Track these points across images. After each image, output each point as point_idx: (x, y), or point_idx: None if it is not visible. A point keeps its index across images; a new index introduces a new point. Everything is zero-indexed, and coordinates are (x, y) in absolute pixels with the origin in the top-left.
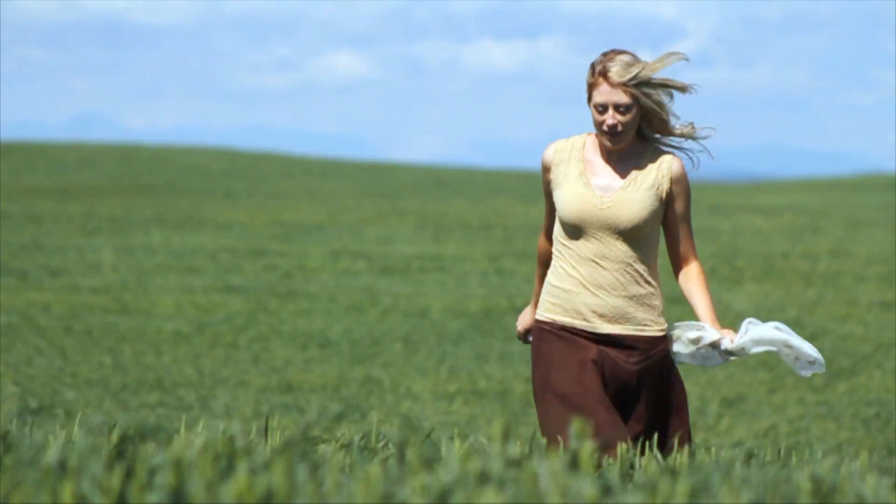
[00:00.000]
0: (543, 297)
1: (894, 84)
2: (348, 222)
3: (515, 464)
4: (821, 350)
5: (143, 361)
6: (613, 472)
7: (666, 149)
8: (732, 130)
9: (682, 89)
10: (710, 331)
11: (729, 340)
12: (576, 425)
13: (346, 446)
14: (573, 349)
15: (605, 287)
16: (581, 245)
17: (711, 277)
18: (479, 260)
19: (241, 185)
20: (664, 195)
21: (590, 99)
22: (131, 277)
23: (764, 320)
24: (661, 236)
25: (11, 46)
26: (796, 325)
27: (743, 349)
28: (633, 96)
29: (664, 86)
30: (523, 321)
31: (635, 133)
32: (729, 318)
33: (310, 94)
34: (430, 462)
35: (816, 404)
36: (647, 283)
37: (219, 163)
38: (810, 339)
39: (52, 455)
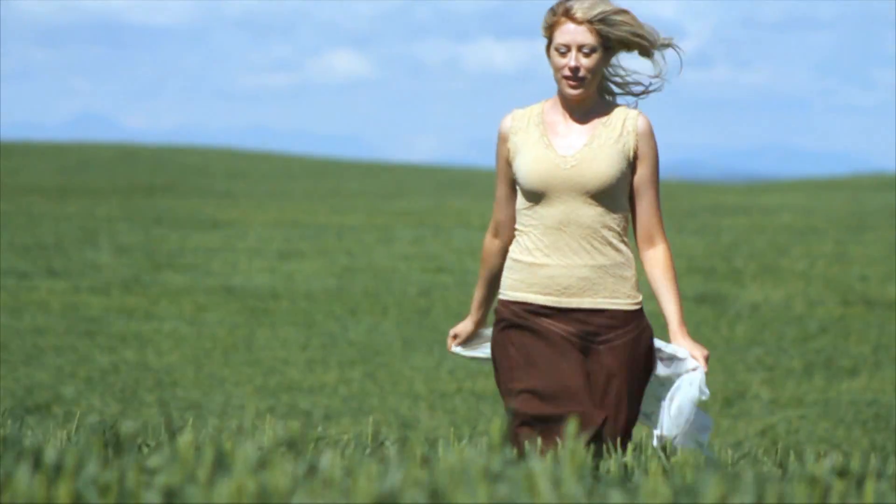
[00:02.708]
0: (506, 273)
1: (894, 84)
2: (348, 222)
3: (512, 464)
4: (821, 350)
5: (143, 361)
6: (609, 471)
7: (630, 96)
8: (732, 130)
9: (658, 45)
10: (683, 354)
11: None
12: (571, 424)
13: (345, 446)
14: (539, 341)
15: (571, 256)
16: (544, 213)
17: (712, 277)
18: (479, 260)
19: (241, 185)
20: (630, 154)
21: (549, 46)
22: (131, 277)
23: (763, 320)
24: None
25: (11, 46)
26: (796, 325)
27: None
28: (599, 37)
29: (635, 37)
30: (460, 328)
31: (598, 90)
32: (729, 318)
33: (309, 94)
34: (428, 462)
35: (816, 404)
36: (617, 251)
37: (218, 163)
38: (810, 338)
39: (50, 455)
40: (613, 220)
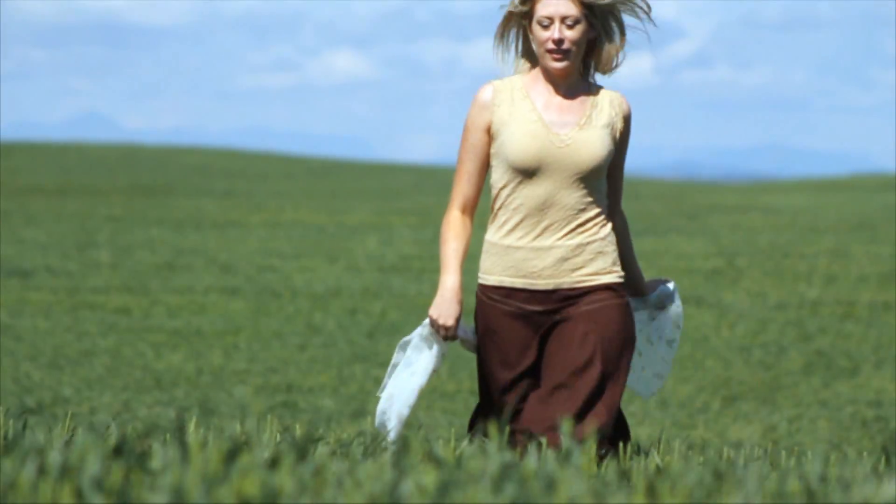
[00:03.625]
0: (484, 257)
1: (894, 84)
2: (348, 222)
3: (512, 463)
4: (821, 350)
5: (143, 361)
6: (610, 471)
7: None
8: (732, 130)
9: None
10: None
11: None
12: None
13: (345, 446)
14: (518, 336)
15: (550, 237)
16: (528, 192)
17: (712, 278)
18: (479, 259)
19: (241, 186)
20: (617, 135)
21: (530, 22)
22: (131, 277)
23: (764, 321)
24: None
25: (11, 46)
26: (797, 326)
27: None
28: (582, 9)
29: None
30: (453, 312)
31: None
32: (730, 319)
33: (309, 95)
34: (428, 462)
35: (816, 404)
36: (598, 227)
37: (218, 163)
38: (810, 338)
39: (52, 455)
40: (596, 199)
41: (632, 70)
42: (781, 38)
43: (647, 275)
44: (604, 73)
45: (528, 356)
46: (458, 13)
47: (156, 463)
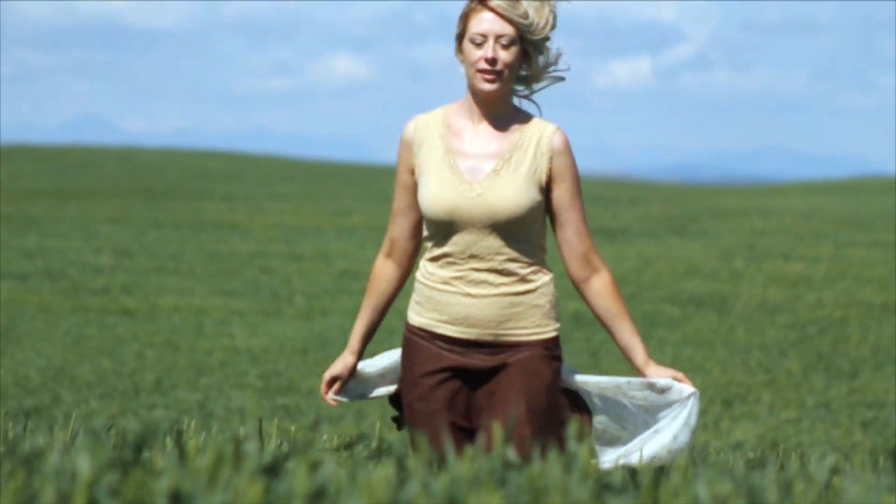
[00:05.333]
0: (413, 297)
1: (894, 87)
2: (348, 224)
3: (515, 466)
4: (821, 352)
5: (143, 363)
6: (614, 474)
7: (537, 113)
8: (732, 133)
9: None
10: (671, 382)
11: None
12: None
13: (347, 448)
14: (432, 362)
15: (476, 287)
16: (448, 242)
17: (712, 280)
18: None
19: (241, 188)
20: (544, 176)
21: (462, 38)
22: (131, 280)
23: (764, 322)
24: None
25: (10, 49)
26: (796, 327)
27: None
28: (517, 31)
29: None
30: (339, 368)
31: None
32: (730, 320)
33: (309, 97)
34: (432, 464)
35: (816, 406)
36: (528, 280)
37: (218, 166)
38: (810, 340)
39: (52, 458)
40: (523, 247)
41: (631, 73)
42: (781, 41)
43: (649, 279)
44: (533, 80)
45: (439, 389)
46: (458, 16)
47: (155, 466)
